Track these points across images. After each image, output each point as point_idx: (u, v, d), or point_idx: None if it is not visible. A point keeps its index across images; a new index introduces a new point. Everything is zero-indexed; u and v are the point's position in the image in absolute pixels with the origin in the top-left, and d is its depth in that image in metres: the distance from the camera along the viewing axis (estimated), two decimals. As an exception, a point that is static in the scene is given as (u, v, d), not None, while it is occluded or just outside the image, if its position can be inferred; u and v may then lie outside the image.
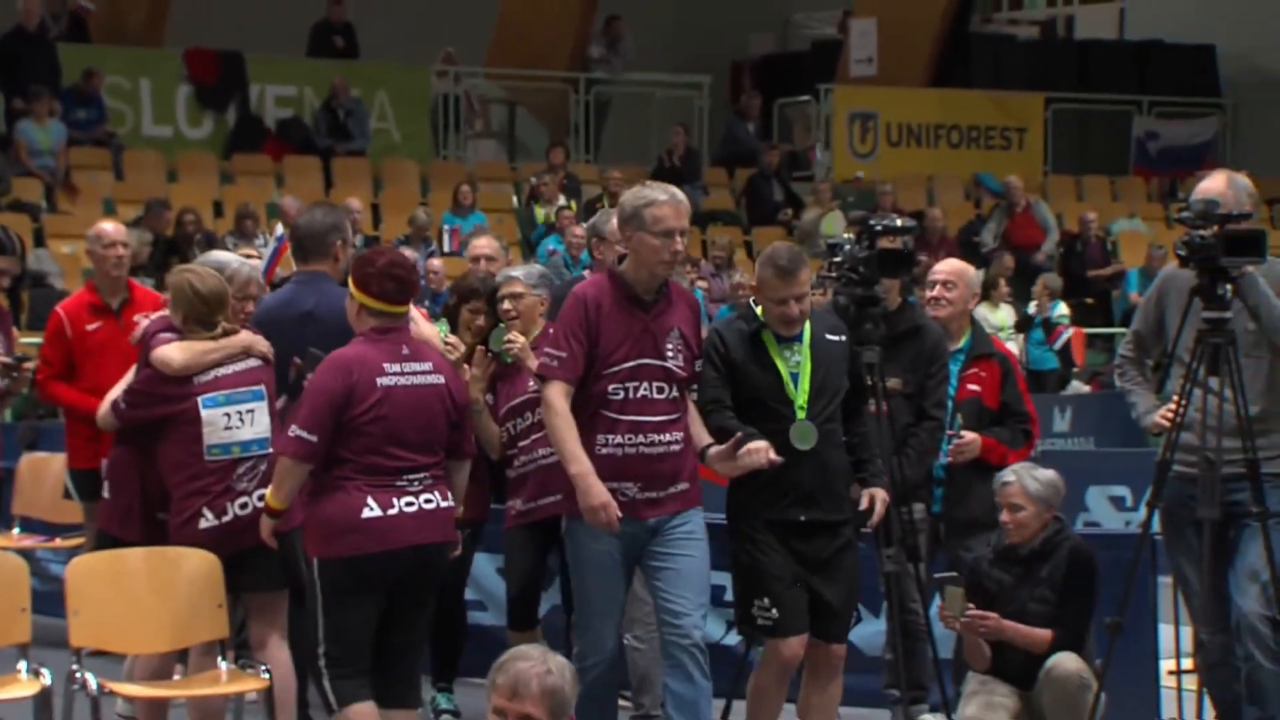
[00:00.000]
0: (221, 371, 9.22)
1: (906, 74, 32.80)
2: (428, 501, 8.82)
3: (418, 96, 29.92)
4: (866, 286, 9.93)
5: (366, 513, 8.66)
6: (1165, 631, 10.73)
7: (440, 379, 8.93)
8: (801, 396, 9.09)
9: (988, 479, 10.22)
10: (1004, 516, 9.75)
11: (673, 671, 8.98)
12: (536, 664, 6.14)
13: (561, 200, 25.68)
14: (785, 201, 29.40)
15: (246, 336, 9.35)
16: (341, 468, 8.72)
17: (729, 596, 11.38)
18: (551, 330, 9.07)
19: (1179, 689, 10.46)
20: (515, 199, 27.33)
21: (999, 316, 23.87)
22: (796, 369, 9.14)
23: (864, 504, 9.24)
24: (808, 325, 9.24)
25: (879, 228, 10.06)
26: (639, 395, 8.80)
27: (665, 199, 8.77)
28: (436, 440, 8.92)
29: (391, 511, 8.70)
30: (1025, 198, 29.49)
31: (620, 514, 8.69)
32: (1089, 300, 28.32)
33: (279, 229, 12.40)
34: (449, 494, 8.96)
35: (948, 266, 10.84)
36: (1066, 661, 9.45)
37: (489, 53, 31.70)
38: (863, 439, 9.46)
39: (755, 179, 29.65)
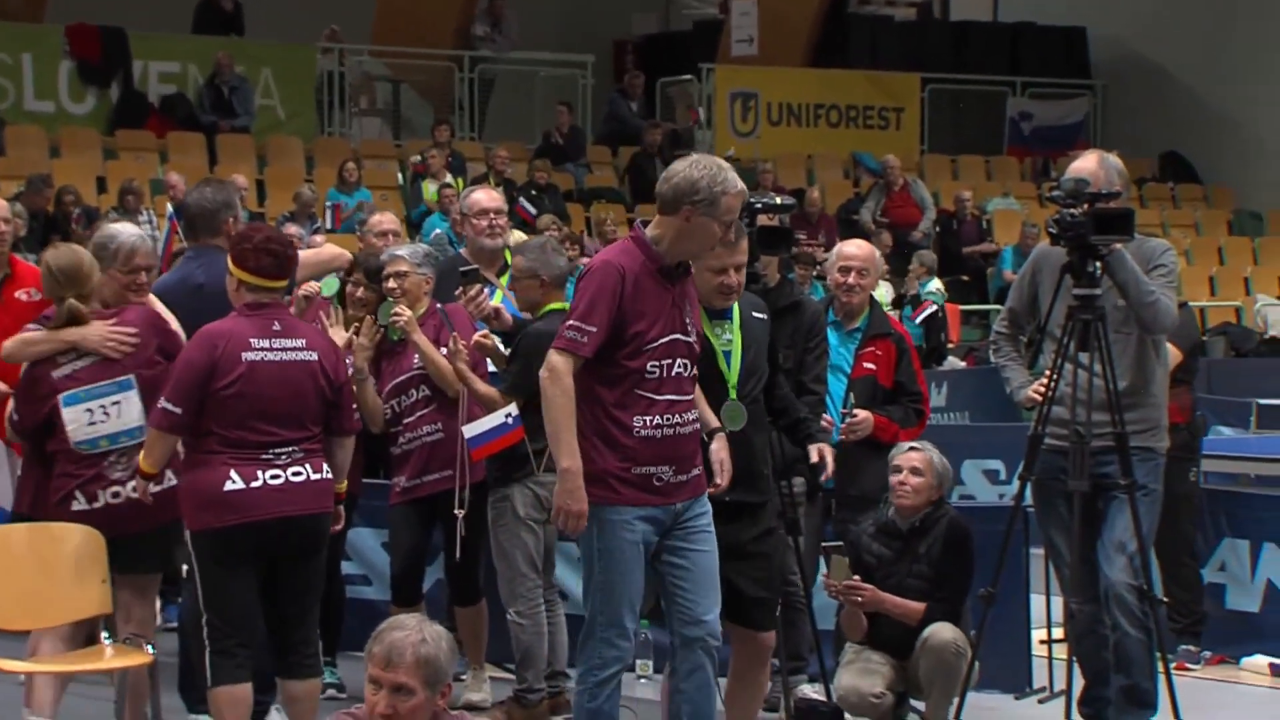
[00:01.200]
0: (79, 365, 9.09)
1: (786, 54, 32.97)
2: (296, 474, 8.74)
3: (302, 74, 29.72)
4: (747, 263, 9.95)
5: (229, 485, 8.61)
6: (1037, 601, 10.85)
7: (313, 355, 8.85)
8: (733, 376, 8.50)
9: (880, 456, 10.36)
10: (900, 478, 9.86)
11: (692, 675, 8.08)
12: (411, 633, 6.17)
13: (447, 178, 25.63)
14: (668, 179, 29.16)
15: (78, 332, 9.14)
16: (208, 440, 8.67)
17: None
18: (579, 298, 7.91)
19: (1050, 658, 10.60)
20: (400, 176, 27.19)
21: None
22: (728, 347, 8.56)
23: (814, 457, 8.99)
24: (736, 303, 8.76)
25: (759, 205, 9.97)
26: (673, 373, 7.87)
27: (740, 189, 8.00)
28: (307, 415, 8.85)
29: (255, 484, 8.65)
30: (903, 176, 29.69)
31: (657, 502, 7.91)
32: (964, 277, 28.54)
33: (169, 208, 12.31)
34: (323, 467, 8.88)
35: (861, 253, 10.73)
36: (942, 631, 9.54)
37: (374, 30, 31.53)
38: (788, 400, 9.14)
39: (638, 157, 29.60)
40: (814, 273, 20.39)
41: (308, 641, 9.09)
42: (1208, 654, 11.65)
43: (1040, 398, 9.31)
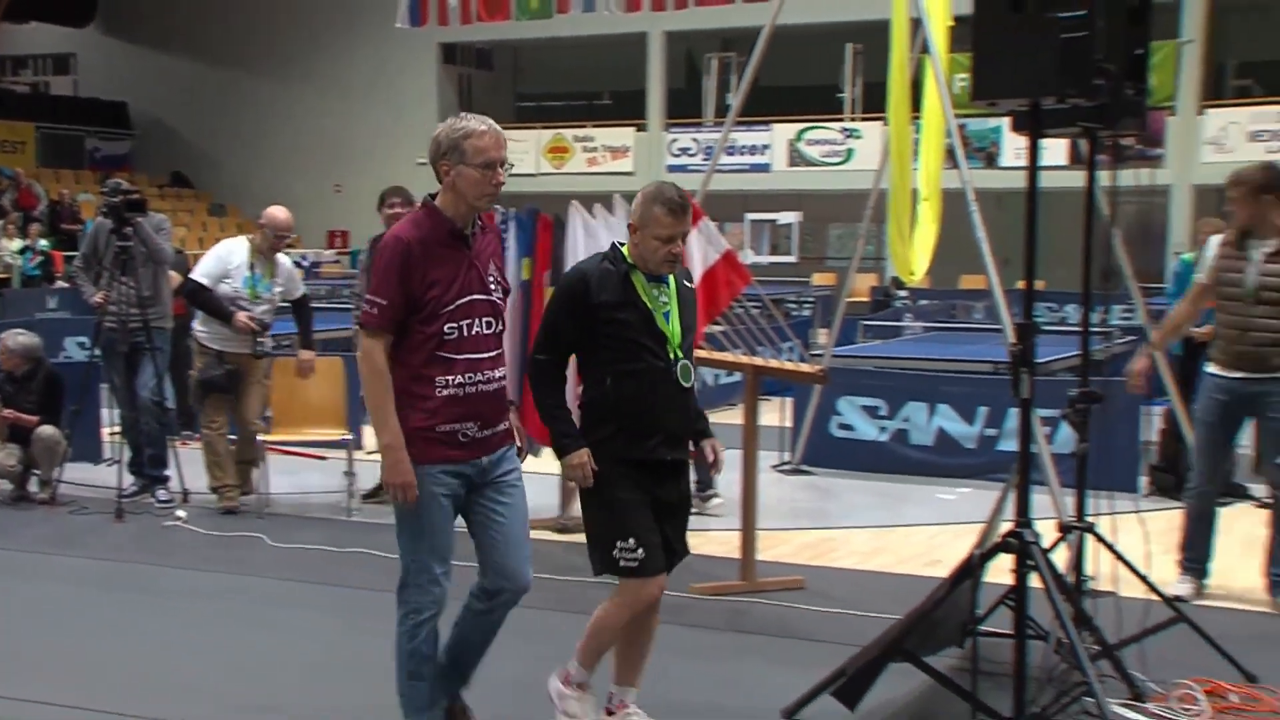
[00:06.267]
0: None
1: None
2: None
3: None
4: None
5: None
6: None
7: None
8: (675, 337, 4.68)
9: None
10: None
11: (482, 616, 4.50)
12: None
13: None
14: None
15: None
16: None
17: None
18: (373, 275, 4.40)
19: (113, 441, 10.07)
20: None
21: (13, 245, 22.38)
22: (666, 309, 4.70)
23: (709, 455, 4.80)
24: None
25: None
26: (472, 332, 4.39)
27: (485, 129, 4.35)
28: None
29: None
30: (26, 180, 27.54)
31: (462, 457, 4.35)
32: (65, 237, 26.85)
33: None
34: None
35: None
36: (46, 429, 8.91)
37: None
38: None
39: None
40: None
41: None
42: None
43: (101, 301, 8.86)
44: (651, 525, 4.54)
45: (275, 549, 7.67)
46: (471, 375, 4.34)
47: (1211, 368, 6.47)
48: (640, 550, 4.49)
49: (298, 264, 11.28)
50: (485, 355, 4.37)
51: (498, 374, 4.41)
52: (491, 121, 4.32)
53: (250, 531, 8.04)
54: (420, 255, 4.27)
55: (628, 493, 4.53)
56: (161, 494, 8.90)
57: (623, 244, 4.67)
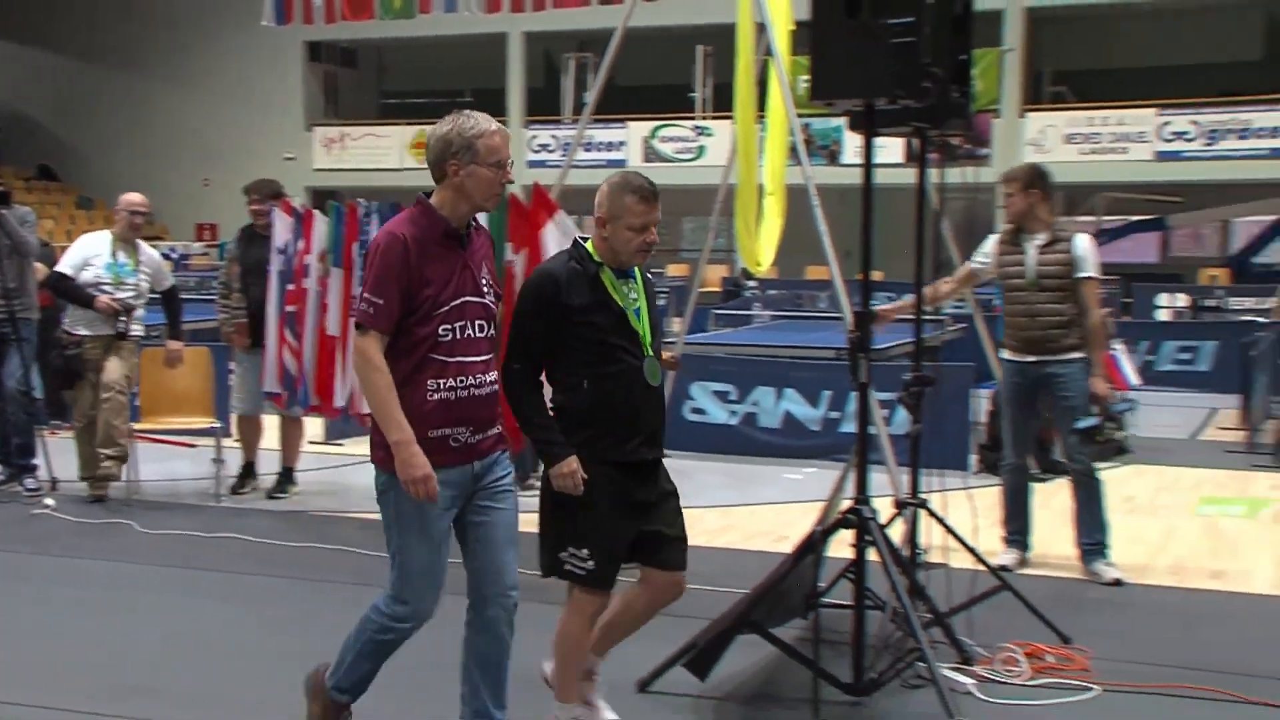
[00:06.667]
0: None
1: None
2: None
3: None
4: None
5: None
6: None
7: None
8: (646, 334, 4.27)
9: None
10: None
11: (488, 628, 4.00)
12: None
13: None
14: None
15: None
16: None
17: None
18: (367, 273, 3.92)
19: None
20: None
21: None
22: (636, 305, 4.27)
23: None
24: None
25: None
26: (465, 335, 3.95)
27: (496, 129, 3.97)
28: None
29: None
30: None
31: (454, 462, 3.91)
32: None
33: None
34: None
35: None
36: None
37: None
38: None
39: None
40: None
41: None
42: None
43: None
44: (616, 537, 4.15)
45: (145, 535, 7.46)
46: (463, 379, 3.94)
47: (1005, 354, 6.66)
48: (591, 562, 4.12)
49: (166, 256, 11.03)
50: (477, 358, 3.97)
51: (489, 378, 4.00)
52: (494, 120, 3.97)
53: (119, 519, 7.80)
54: (416, 253, 3.88)
55: (597, 498, 4.10)
56: (29, 482, 8.57)
57: (585, 239, 4.28)
